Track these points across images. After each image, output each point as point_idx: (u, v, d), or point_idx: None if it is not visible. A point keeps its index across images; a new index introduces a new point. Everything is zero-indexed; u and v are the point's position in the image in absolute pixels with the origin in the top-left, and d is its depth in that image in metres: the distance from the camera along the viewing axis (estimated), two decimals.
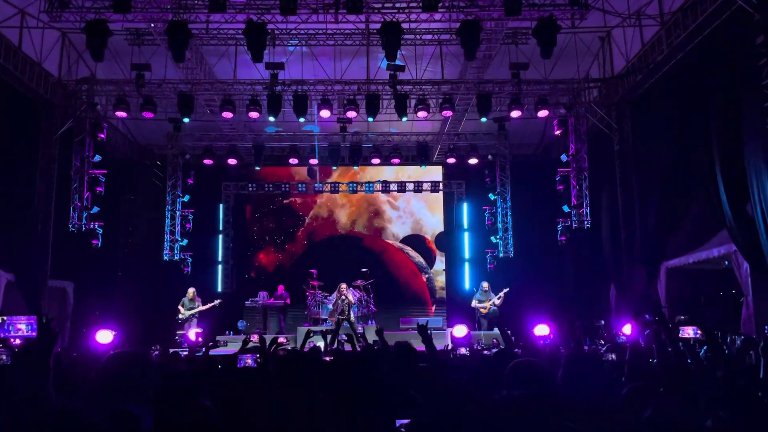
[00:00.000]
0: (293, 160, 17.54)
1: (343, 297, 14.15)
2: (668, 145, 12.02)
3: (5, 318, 3.01)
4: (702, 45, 10.70)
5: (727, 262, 10.67)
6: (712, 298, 12.41)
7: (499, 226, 17.88)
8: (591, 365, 3.71)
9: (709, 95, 10.37)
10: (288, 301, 16.42)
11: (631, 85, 13.67)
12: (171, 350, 9.62)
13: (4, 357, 3.16)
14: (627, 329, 8.34)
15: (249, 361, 4.75)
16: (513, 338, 5.98)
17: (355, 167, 17.96)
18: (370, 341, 9.21)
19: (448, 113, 14.70)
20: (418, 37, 13.87)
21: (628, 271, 13.74)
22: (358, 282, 16.09)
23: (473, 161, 17.55)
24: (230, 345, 12.80)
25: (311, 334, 6.17)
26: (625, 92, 14.02)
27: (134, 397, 2.55)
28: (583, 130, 15.20)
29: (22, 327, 2.91)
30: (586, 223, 15.02)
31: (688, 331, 7.48)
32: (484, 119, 14.57)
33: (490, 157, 17.96)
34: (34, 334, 2.83)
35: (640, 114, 13.68)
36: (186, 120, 14.44)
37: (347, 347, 7.45)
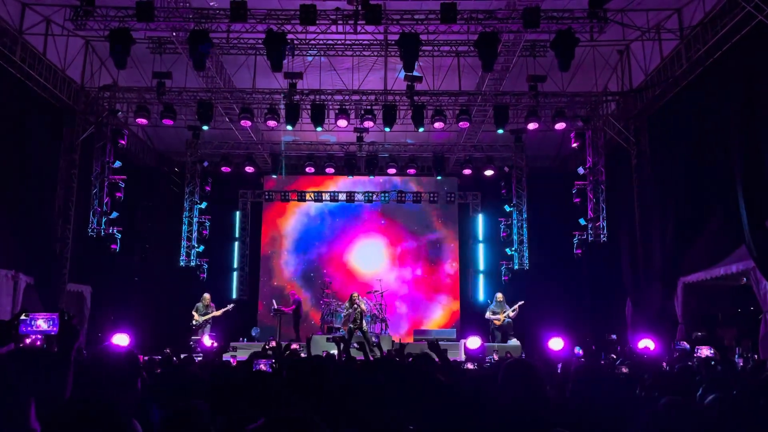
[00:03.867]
0: (309, 169, 17.66)
1: (356, 306, 14.15)
2: (686, 160, 11.92)
3: (29, 314, 3.09)
4: (722, 59, 10.63)
5: (745, 279, 10.55)
6: (730, 315, 12.26)
7: (515, 238, 17.81)
8: (603, 376, 3.70)
9: (728, 110, 10.30)
10: (301, 308, 16.46)
11: (650, 99, 13.60)
12: (183, 355, 9.70)
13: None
14: (650, 344, 8.26)
15: (263, 366, 4.78)
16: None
17: (371, 177, 18.02)
18: (385, 351, 9.24)
19: (464, 124, 14.74)
20: (436, 48, 13.93)
21: (644, 286, 13.61)
22: (371, 291, 16.10)
23: (489, 173, 17.55)
24: (242, 352, 12.85)
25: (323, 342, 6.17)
26: (643, 106, 13.94)
27: (146, 394, 2.60)
28: (601, 143, 15.14)
29: (42, 323, 2.98)
30: (602, 236, 14.92)
31: (705, 351, 7.42)
32: (500, 131, 14.58)
33: (506, 168, 17.94)
34: (54, 330, 2.90)
35: (658, 128, 13.59)
36: (205, 127, 14.64)
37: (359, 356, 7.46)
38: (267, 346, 10.26)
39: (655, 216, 13.45)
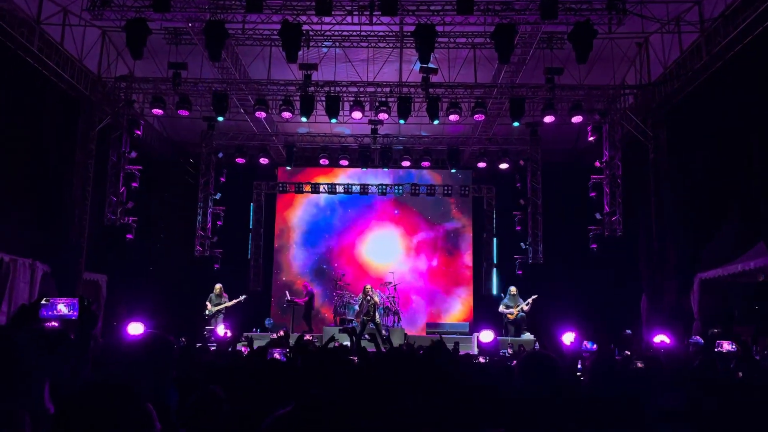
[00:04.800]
0: (324, 161, 17.68)
1: (369, 298, 14.16)
2: (705, 155, 11.77)
3: (49, 299, 3.13)
4: (742, 53, 10.46)
5: (763, 276, 10.41)
6: (747, 312, 12.11)
7: (529, 231, 17.72)
8: (618, 368, 3.66)
9: (749, 104, 10.13)
10: (313, 300, 16.50)
11: (668, 92, 13.42)
12: (198, 344, 9.75)
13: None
14: (665, 339, 8.20)
15: (277, 355, 4.79)
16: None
17: (385, 169, 17.99)
18: (396, 344, 9.24)
19: (480, 117, 14.65)
20: (452, 40, 13.85)
21: (660, 282, 13.48)
22: (385, 283, 16.11)
23: (504, 166, 17.45)
24: (257, 342, 12.90)
25: (336, 333, 6.18)
26: (661, 100, 13.77)
27: (161, 377, 2.61)
28: (618, 137, 14.99)
29: (62, 308, 3.02)
30: (618, 231, 14.79)
31: (726, 346, 7.33)
32: (516, 124, 14.49)
33: (521, 162, 17.83)
34: (73, 315, 2.93)
35: (676, 122, 13.42)
36: (220, 119, 14.68)
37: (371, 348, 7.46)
38: (275, 336, 10.33)
39: (672, 211, 13.31)
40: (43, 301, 3.06)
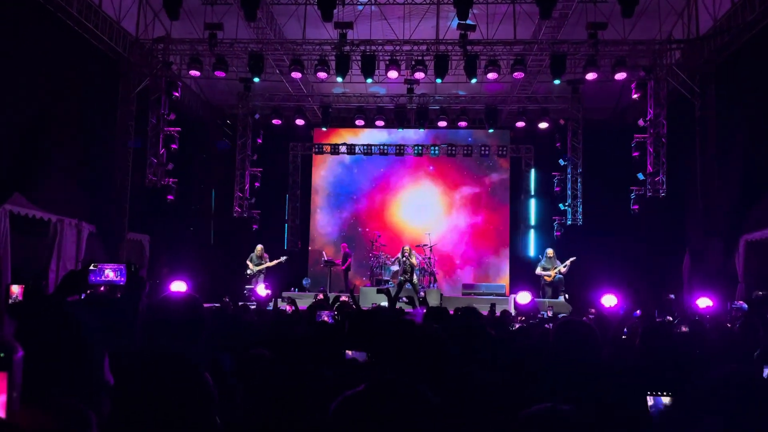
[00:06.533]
0: (359, 122, 17.58)
1: (405, 259, 14.20)
2: (755, 113, 11.33)
3: (97, 265, 3.20)
4: None
5: None
6: None
7: (569, 193, 17.42)
8: (665, 335, 3.59)
9: None
10: (350, 260, 16.62)
11: (718, 47, 12.86)
12: (240, 303, 9.97)
13: None
14: (709, 303, 8.02)
15: (325, 317, 4.86)
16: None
17: (421, 130, 17.80)
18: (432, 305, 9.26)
19: (519, 75, 14.31)
20: None
21: (704, 243, 13.17)
22: (421, 244, 16.10)
23: (544, 125, 17.06)
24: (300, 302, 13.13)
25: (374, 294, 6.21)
26: (710, 55, 13.20)
27: (211, 343, 2.65)
28: (663, 94, 14.48)
29: (110, 273, 3.08)
30: (661, 191, 14.42)
31: None
32: (557, 81, 14.10)
33: (561, 121, 17.42)
34: (121, 280, 2.99)
35: (725, 78, 12.89)
36: (256, 80, 14.66)
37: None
38: (315, 300, 10.47)
39: (718, 171, 12.90)
40: (91, 267, 3.13)
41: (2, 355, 0.97)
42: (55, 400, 1.30)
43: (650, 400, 2.19)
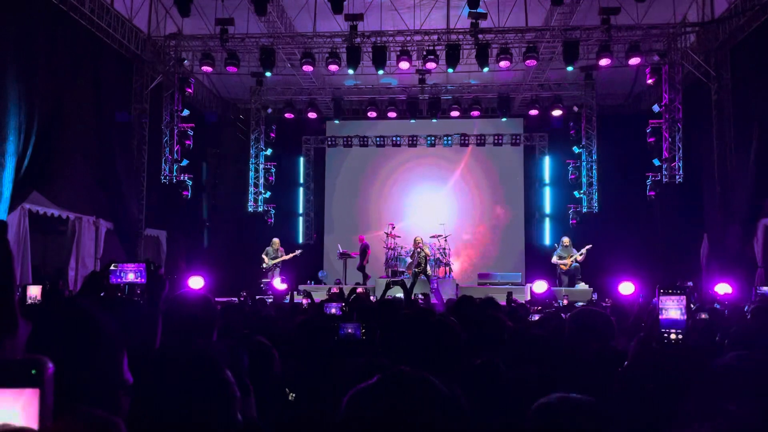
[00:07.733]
0: (372, 114, 17.56)
1: (419, 250, 14.19)
2: None
3: (117, 265, 3.24)
4: None
5: None
6: None
7: (584, 180, 17.28)
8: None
9: None
10: (369, 252, 16.65)
11: (733, 29, 12.65)
12: (257, 297, 10.03)
13: None
14: (728, 289, 7.93)
15: (333, 309, 4.90)
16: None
17: (434, 120, 17.73)
18: (447, 296, 9.27)
19: (531, 62, 14.18)
20: None
21: (722, 229, 13.03)
22: (436, 235, 16.08)
23: (557, 113, 16.91)
24: (316, 295, 13.21)
25: (390, 286, 6.23)
26: (725, 37, 12.99)
27: (230, 339, 2.69)
28: (678, 78, 14.28)
29: (131, 276, 3.12)
30: (678, 177, 14.26)
31: None
32: (570, 68, 13.97)
33: (575, 108, 17.26)
34: (141, 280, 3.03)
35: (741, 61, 12.69)
36: (268, 74, 14.70)
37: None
38: (330, 293, 10.52)
39: (735, 155, 12.73)
40: (111, 267, 3.17)
41: (34, 371, 0.98)
42: (84, 411, 1.32)
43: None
